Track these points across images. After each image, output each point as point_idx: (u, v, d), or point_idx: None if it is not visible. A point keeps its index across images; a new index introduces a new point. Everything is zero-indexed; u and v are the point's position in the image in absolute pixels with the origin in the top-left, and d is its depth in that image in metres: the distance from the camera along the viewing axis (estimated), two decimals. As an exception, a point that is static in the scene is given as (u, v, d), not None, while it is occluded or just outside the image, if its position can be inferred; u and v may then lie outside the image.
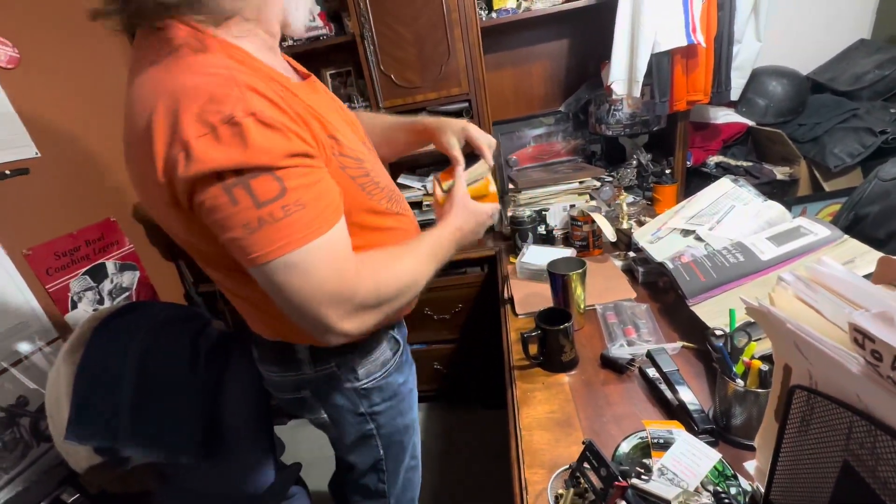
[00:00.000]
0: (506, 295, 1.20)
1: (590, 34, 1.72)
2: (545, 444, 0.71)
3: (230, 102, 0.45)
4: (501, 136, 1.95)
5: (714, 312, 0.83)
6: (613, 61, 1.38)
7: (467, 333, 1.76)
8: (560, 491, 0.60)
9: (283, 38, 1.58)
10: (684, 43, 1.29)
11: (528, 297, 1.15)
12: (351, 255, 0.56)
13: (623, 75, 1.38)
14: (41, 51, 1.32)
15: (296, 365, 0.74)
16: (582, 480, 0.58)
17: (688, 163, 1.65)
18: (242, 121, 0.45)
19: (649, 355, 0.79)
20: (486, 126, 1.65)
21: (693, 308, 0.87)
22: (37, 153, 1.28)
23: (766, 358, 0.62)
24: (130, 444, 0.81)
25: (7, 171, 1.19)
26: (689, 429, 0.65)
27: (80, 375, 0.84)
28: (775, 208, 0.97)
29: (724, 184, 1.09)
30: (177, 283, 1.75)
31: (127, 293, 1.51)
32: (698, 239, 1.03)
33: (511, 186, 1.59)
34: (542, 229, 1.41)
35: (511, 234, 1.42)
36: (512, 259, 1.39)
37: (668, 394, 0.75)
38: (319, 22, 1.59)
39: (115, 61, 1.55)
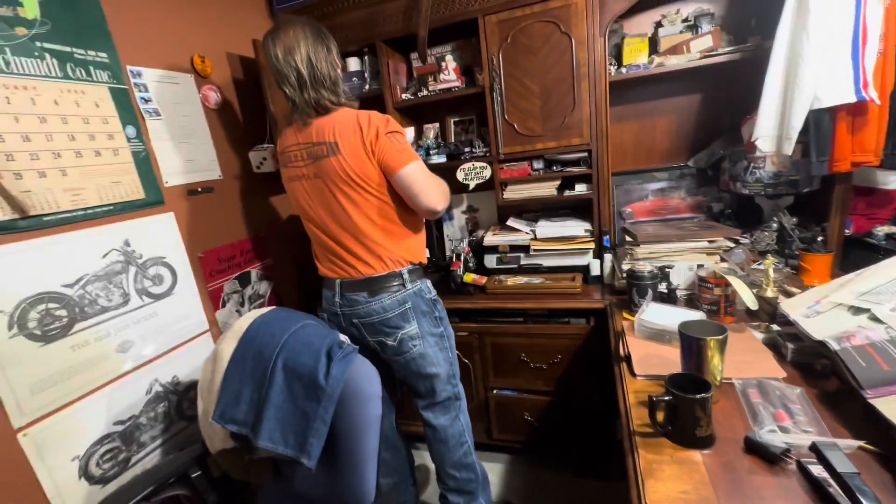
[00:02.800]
0: (622, 352, 1.12)
1: (727, 89, 1.64)
2: (679, 529, 0.63)
3: (385, 116, 1.15)
4: (617, 189, 1.90)
5: (906, 411, 0.69)
6: (761, 116, 1.28)
7: (565, 388, 1.66)
8: (707, 589, 0.52)
9: (420, 88, 1.76)
10: (853, 99, 1.16)
11: (647, 358, 1.06)
12: None
13: (772, 132, 1.28)
14: (230, 96, 1.64)
15: (401, 284, 1.23)
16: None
17: (846, 231, 1.43)
18: (390, 118, 1.15)
19: (816, 449, 0.67)
20: (605, 176, 1.63)
21: (873, 402, 0.73)
22: (220, 175, 1.56)
23: None
24: (264, 437, 0.90)
25: (199, 189, 1.47)
26: (882, 553, 0.53)
27: (233, 364, 0.97)
28: None
29: (912, 258, 0.92)
30: (298, 295, 1.95)
31: (261, 300, 1.72)
32: (875, 320, 0.87)
33: (629, 239, 1.52)
34: (662, 287, 1.31)
35: (627, 289, 1.35)
36: (626, 315, 1.31)
37: (844, 502, 0.62)
38: (454, 75, 1.75)
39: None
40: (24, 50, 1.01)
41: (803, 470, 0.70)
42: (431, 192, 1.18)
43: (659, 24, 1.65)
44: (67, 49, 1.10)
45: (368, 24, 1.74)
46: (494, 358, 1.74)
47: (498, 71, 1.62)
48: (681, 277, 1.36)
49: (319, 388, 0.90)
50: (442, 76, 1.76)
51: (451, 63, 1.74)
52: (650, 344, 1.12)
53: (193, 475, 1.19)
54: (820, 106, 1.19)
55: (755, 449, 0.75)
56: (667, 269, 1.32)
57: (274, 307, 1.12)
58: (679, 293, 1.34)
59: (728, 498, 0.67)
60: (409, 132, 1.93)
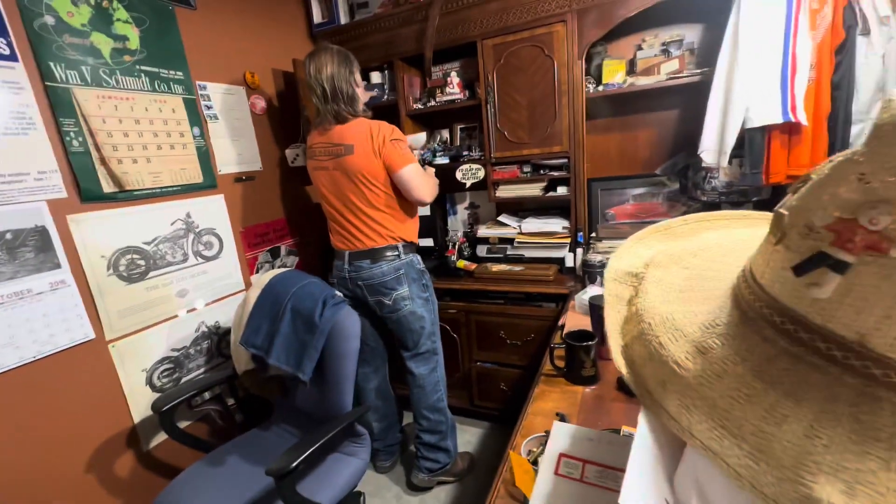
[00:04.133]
0: (560, 322, 1.37)
1: (697, 106, 1.82)
2: (540, 427, 0.89)
3: (391, 126, 1.49)
4: (601, 192, 2.11)
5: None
6: (704, 132, 1.48)
7: (535, 363, 1.90)
8: (532, 448, 0.78)
9: (429, 99, 2.05)
10: (780, 120, 1.34)
11: (576, 327, 1.30)
12: None
13: (713, 146, 1.47)
14: (273, 104, 2.02)
15: (396, 255, 1.54)
16: (551, 443, 0.76)
17: (794, 237, 1.58)
18: (395, 128, 1.48)
19: (655, 383, 0.91)
20: (581, 181, 1.86)
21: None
22: (260, 167, 1.94)
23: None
24: (273, 357, 1.24)
25: (243, 177, 1.85)
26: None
27: (257, 306, 1.31)
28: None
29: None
30: (319, 270, 2.31)
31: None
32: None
33: (593, 235, 1.74)
34: (612, 275, 1.53)
35: (583, 276, 1.58)
36: (578, 297, 1.55)
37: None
38: (457, 89, 2.04)
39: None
40: (129, 71, 1.42)
41: (650, 400, 0.93)
42: (422, 188, 1.50)
43: (639, 48, 1.86)
44: (156, 70, 1.50)
45: (388, 45, 2.07)
46: (478, 334, 2.01)
47: (492, 86, 1.89)
48: (629, 269, 1.57)
49: (315, 325, 1.22)
50: (447, 89, 2.05)
51: (454, 78, 2.03)
52: (584, 317, 1.36)
53: (230, 404, 1.56)
54: (752, 125, 1.38)
55: (623, 387, 0.99)
56: (614, 260, 1.54)
57: (290, 269, 1.46)
58: (626, 282, 1.55)
59: (587, 413, 0.92)
60: (422, 137, 2.23)
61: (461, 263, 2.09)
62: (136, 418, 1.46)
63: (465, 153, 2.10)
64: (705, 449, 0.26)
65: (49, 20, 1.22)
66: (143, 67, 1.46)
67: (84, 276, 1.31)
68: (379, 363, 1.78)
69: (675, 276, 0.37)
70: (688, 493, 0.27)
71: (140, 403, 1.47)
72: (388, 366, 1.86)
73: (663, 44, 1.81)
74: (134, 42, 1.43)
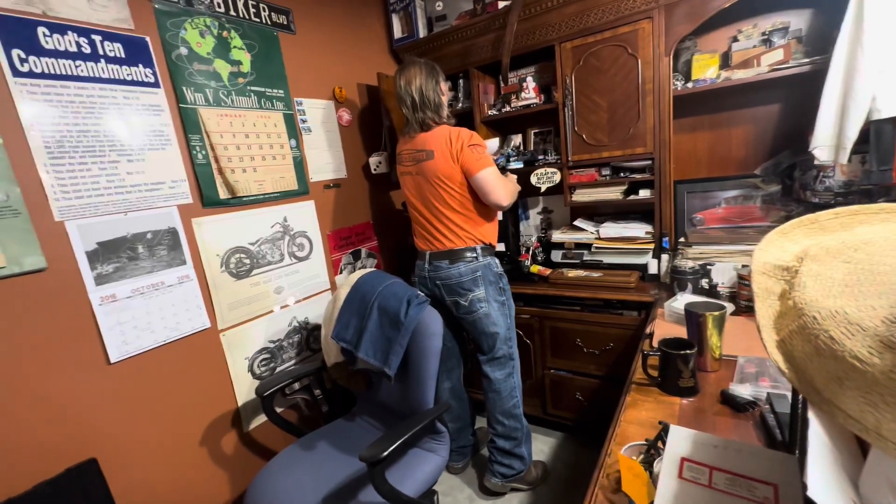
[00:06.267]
0: (647, 330, 1.30)
1: (803, 99, 1.65)
2: (636, 436, 0.85)
3: (470, 132, 1.53)
4: (687, 195, 1.98)
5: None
6: (818, 126, 1.34)
7: (614, 373, 1.82)
8: (632, 456, 0.75)
9: (503, 104, 2.07)
10: (917, 110, 1.17)
11: (667, 335, 1.23)
12: None
13: (829, 141, 1.32)
14: (357, 118, 2.15)
15: (475, 257, 1.58)
16: (654, 452, 0.73)
17: (933, 244, 1.37)
18: (474, 134, 1.53)
19: (768, 397, 0.83)
20: (667, 183, 1.76)
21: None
22: (345, 175, 2.08)
23: None
24: (362, 351, 1.31)
25: (331, 184, 1.99)
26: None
27: (346, 303, 1.40)
28: None
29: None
30: (395, 272, 2.40)
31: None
32: None
33: (681, 240, 1.64)
34: (704, 283, 1.43)
35: (670, 283, 1.49)
36: (666, 305, 1.46)
37: (780, 437, 0.78)
38: (533, 94, 2.04)
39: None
40: (241, 92, 1.60)
41: (762, 417, 0.86)
42: (499, 191, 1.52)
43: (734, 39, 1.73)
44: (263, 89, 1.67)
45: (464, 55, 2.12)
46: (552, 340, 1.97)
47: (570, 89, 1.87)
48: (725, 276, 1.46)
49: (400, 323, 1.28)
50: (523, 94, 2.06)
51: (531, 83, 2.03)
52: (675, 326, 1.28)
53: (317, 394, 1.68)
54: (880, 116, 1.22)
55: (728, 400, 0.92)
56: (708, 267, 1.44)
57: (375, 269, 1.54)
58: (722, 290, 1.44)
59: (685, 426, 0.86)
60: (494, 142, 2.26)
61: (535, 268, 2.06)
62: (240, 401, 1.62)
63: (541, 157, 2.08)
64: None
65: (183, 51, 1.42)
66: (252, 88, 1.63)
67: (203, 272, 1.49)
68: (454, 364, 1.81)
69: (835, 270, 0.34)
70: (881, 495, 0.25)
71: (243, 388, 1.63)
72: (463, 368, 1.88)
73: (763, 33, 1.67)
74: (246, 66, 1.61)
